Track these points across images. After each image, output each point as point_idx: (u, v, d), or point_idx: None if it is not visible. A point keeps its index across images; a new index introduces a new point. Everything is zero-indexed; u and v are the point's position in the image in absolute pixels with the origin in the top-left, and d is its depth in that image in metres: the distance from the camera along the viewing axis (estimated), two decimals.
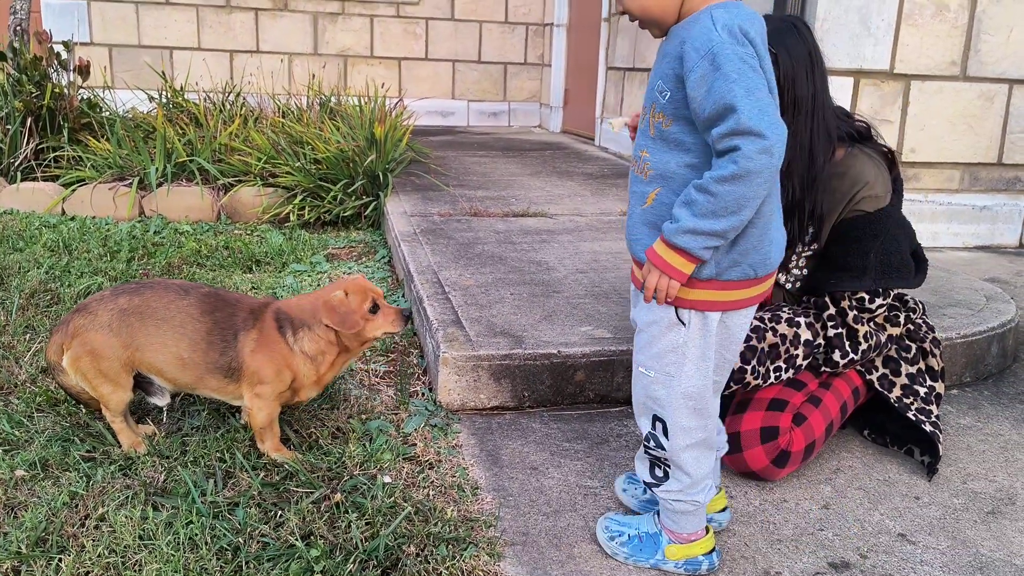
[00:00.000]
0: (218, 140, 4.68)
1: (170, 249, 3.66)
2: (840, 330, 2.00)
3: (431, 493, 1.83)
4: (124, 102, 5.48)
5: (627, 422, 2.24)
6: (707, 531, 1.63)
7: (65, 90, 4.70)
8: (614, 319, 2.53)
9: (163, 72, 5.97)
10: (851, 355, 2.00)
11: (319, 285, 3.30)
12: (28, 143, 4.54)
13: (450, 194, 4.41)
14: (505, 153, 6.19)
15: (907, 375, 2.09)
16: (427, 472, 1.92)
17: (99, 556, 1.55)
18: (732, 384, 1.91)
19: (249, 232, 4.14)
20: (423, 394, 2.35)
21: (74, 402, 2.07)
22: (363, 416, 2.17)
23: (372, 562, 1.57)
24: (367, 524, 1.68)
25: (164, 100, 5.39)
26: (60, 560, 1.54)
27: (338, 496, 1.76)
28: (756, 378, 1.95)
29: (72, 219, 4.17)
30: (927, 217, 4.07)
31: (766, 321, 1.97)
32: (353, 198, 4.31)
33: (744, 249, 1.42)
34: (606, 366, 2.31)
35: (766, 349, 1.95)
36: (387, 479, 1.86)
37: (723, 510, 1.75)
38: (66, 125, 4.64)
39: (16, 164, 4.49)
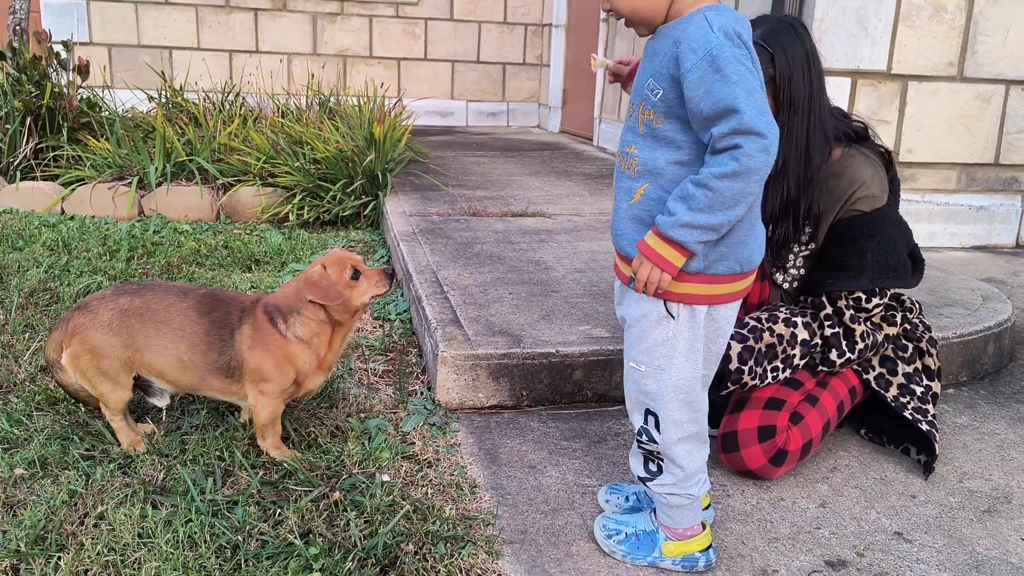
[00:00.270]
0: (217, 140, 4.69)
1: (169, 248, 3.67)
2: (837, 330, 2.01)
3: (429, 491, 1.83)
4: (123, 102, 5.49)
5: (625, 421, 2.25)
6: (703, 528, 1.64)
7: (64, 90, 4.70)
8: (612, 318, 2.54)
9: (162, 72, 5.98)
10: (848, 355, 2.00)
11: None
12: (27, 142, 4.54)
13: (449, 194, 4.42)
14: (504, 153, 6.20)
15: (904, 374, 2.10)
16: (425, 471, 1.92)
17: (98, 554, 1.55)
18: (729, 385, 1.91)
19: (248, 232, 4.15)
20: (422, 393, 2.35)
21: (73, 400, 2.08)
22: (362, 415, 2.18)
23: (371, 560, 1.58)
24: (366, 522, 1.69)
25: (163, 100, 5.39)
26: (59, 558, 1.54)
27: (337, 494, 1.76)
28: (753, 378, 1.96)
29: (71, 218, 4.18)
30: (924, 217, 4.08)
31: (763, 321, 1.98)
32: (352, 198, 4.32)
33: (731, 244, 1.45)
34: (604, 365, 2.32)
35: (763, 349, 1.96)
36: (386, 477, 1.86)
37: (706, 508, 1.76)
38: (65, 125, 4.64)
39: (16, 163, 4.50)
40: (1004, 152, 4.12)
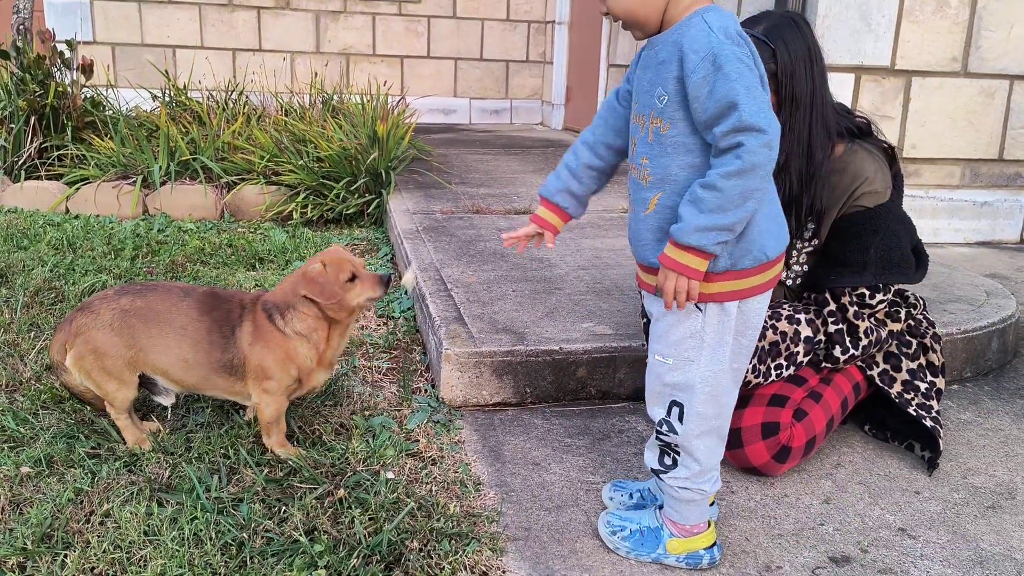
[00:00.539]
0: (221, 138, 4.70)
1: (174, 247, 3.68)
2: (841, 326, 2.00)
3: (434, 489, 1.84)
4: (127, 101, 5.49)
5: (629, 418, 2.25)
6: (709, 525, 1.64)
7: (68, 89, 4.71)
8: (615, 315, 2.54)
9: (166, 71, 5.99)
10: (852, 351, 2.00)
11: None
12: (32, 142, 4.55)
13: (452, 191, 4.42)
14: (507, 150, 6.20)
15: (908, 371, 2.10)
16: (430, 468, 1.93)
17: (104, 552, 1.56)
18: None
19: (252, 230, 4.15)
20: (426, 391, 2.36)
21: (79, 400, 2.08)
22: (366, 412, 2.18)
23: (375, 557, 1.58)
24: (370, 519, 1.69)
25: (167, 99, 5.40)
26: (65, 556, 1.55)
27: (341, 492, 1.77)
28: (757, 376, 1.96)
29: (76, 217, 4.19)
30: (928, 213, 4.07)
31: (766, 319, 1.98)
32: (356, 196, 4.33)
33: (754, 235, 1.46)
34: (607, 362, 2.32)
35: (767, 347, 1.96)
36: (390, 475, 1.87)
37: (710, 505, 1.76)
38: (70, 124, 4.65)
39: (20, 163, 4.51)
40: (1008, 148, 4.11)
